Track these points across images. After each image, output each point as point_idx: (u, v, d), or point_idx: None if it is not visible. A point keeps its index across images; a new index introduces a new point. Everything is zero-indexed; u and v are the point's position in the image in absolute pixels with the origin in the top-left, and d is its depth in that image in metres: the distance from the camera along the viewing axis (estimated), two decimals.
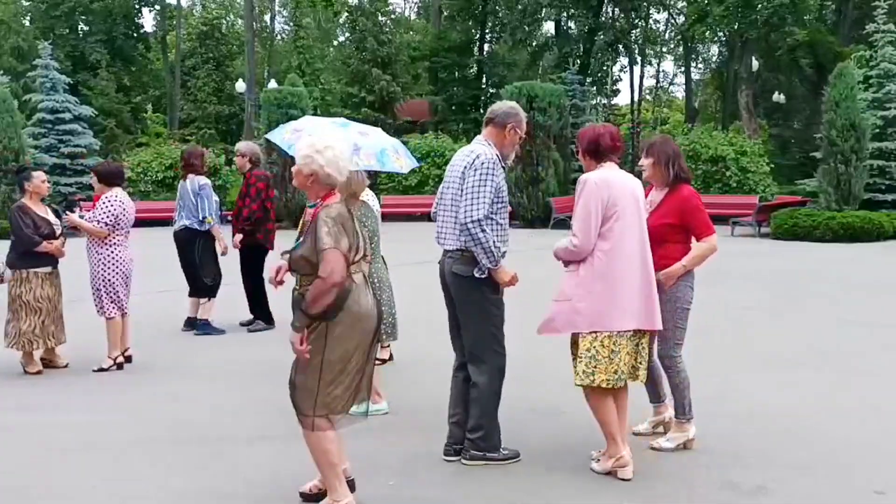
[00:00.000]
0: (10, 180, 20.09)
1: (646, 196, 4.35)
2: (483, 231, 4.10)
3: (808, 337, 7.57)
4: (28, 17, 42.41)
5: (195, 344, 7.42)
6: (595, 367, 3.99)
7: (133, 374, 6.41)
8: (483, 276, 4.18)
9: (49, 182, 6.69)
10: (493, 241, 4.13)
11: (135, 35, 42.88)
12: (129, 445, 4.70)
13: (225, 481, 4.13)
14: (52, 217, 6.50)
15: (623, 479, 4.02)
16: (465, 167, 4.22)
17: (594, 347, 3.99)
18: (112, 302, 6.43)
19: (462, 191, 4.18)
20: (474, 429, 4.31)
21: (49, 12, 39.43)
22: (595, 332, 3.99)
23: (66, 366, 6.57)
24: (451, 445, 4.42)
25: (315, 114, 26.81)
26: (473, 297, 4.26)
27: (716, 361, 6.46)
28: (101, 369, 6.40)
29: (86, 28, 41.01)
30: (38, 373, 6.40)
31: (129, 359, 6.64)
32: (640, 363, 4.10)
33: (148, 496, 3.98)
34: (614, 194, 3.99)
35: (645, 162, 4.52)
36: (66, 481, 4.18)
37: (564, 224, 20.06)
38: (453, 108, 39.15)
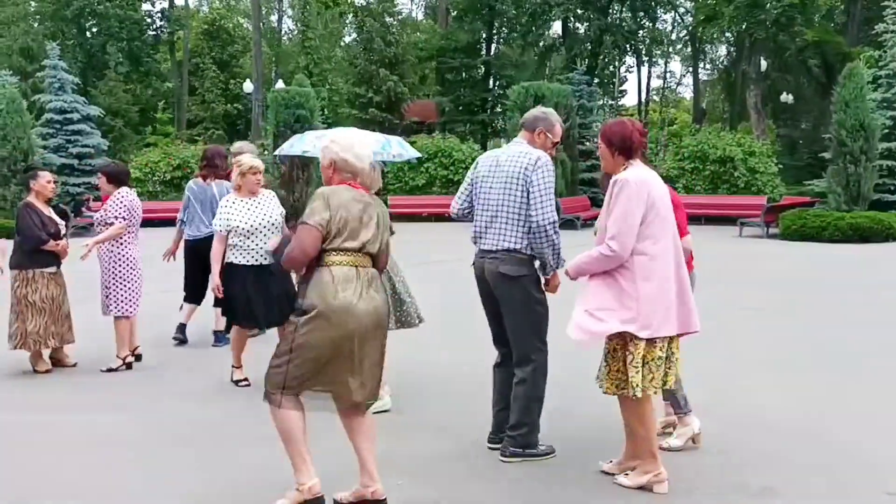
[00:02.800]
0: (19, 180, 20.18)
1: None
2: (556, 232, 4.20)
3: (818, 338, 7.53)
4: (37, 19, 42.50)
5: (202, 344, 7.41)
6: (643, 374, 3.80)
7: (141, 373, 6.42)
8: (530, 275, 4.26)
9: (56, 183, 6.70)
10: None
11: (142, 35, 42.96)
12: (138, 444, 4.71)
13: (234, 482, 4.13)
14: (56, 217, 6.51)
15: (659, 493, 3.89)
16: (526, 167, 4.20)
17: (647, 353, 3.80)
18: (122, 300, 6.43)
19: (528, 192, 4.17)
20: (515, 426, 4.31)
21: (60, 12, 39.55)
22: (644, 338, 3.78)
23: (74, 365, 6.58)
24: (496, 434, 4.47)
25: (322, 114, 26.92)
26: (520, 297, 4.27)
27: (724, 362, 6.44)
28: (111, 369, 6.40)
29: (94, 29, 41.11)
30: (48, 371, 6.41)
31: (138, 357, 6.65)
32: (671, 368, 3.91)
33: (155, 495, 3.99)
34: (653, 195, 3.81)
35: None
36: (73, 480, 4.18)
37: (572, 224, 20.03)
38: (460, 108, 39.17)
